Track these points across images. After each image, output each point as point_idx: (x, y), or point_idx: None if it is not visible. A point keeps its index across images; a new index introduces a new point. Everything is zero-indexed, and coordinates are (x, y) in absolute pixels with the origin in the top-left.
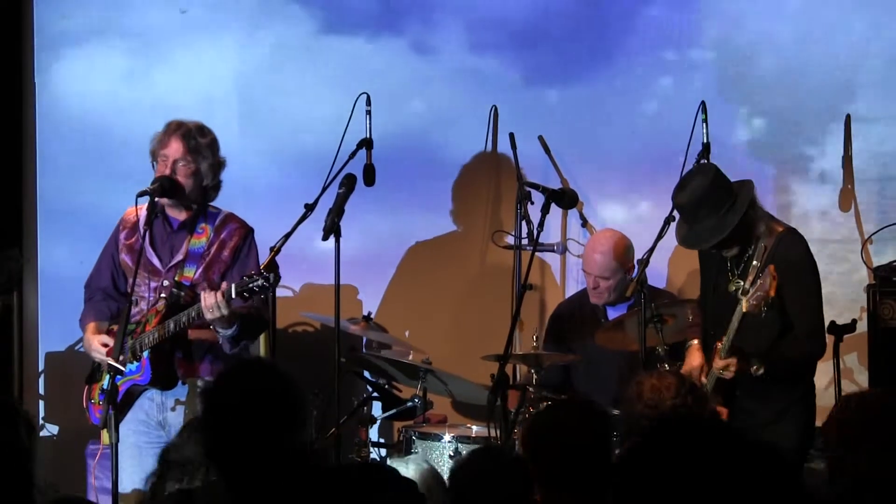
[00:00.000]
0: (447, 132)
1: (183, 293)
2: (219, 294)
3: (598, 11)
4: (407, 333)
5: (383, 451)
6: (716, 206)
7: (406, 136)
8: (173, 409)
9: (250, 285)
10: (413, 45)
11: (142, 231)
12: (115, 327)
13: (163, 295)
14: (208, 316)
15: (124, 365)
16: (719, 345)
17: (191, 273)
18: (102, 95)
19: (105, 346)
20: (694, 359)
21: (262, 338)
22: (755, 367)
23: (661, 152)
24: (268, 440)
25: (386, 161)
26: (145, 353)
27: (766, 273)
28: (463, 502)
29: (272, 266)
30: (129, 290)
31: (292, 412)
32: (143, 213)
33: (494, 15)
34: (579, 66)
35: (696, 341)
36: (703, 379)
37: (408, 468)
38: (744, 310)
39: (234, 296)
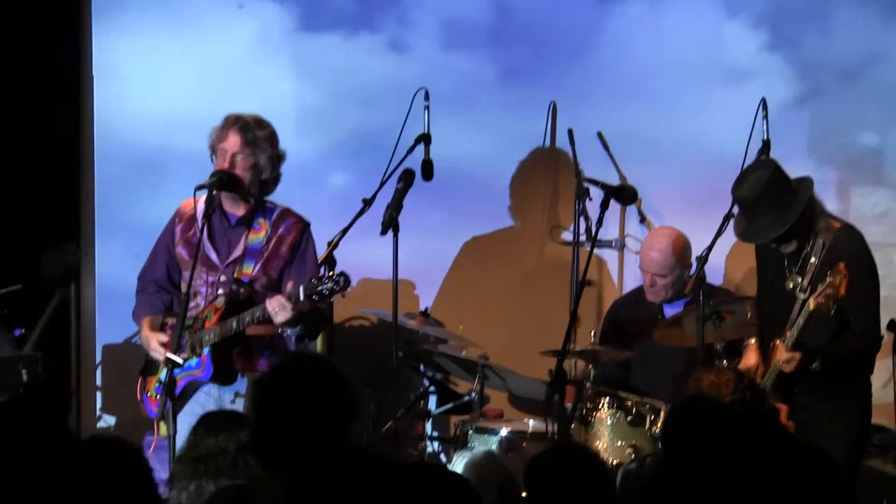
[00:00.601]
0: None
1: (242, 290)
2: (283, 298)
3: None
4: (461, 327)
5: (439, 445)
6: (776, 201)
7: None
8: (233, 402)
9: (319, 288)
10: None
11: (199, 225)
12: (171, 320)
13: (220, 291)
14: (276, 319)
15: (183, 360)
16: (778, 342)
17: (249, 269)
18: (160, 94)
19: (163, 345)
20: (750, 358)
21: None
22: (815, 364)
23: (720, 149)
24: (317, 434)
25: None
26: (206, 350)
27: (836, 270)
28: (539, 497)
29: (330, 261)
30: (186, 284)
31: (343, 408)
32: (199, 205)
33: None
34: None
35: (753, 340)
36: (759, 379)
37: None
38: (811, 307)
39: (302, 298)
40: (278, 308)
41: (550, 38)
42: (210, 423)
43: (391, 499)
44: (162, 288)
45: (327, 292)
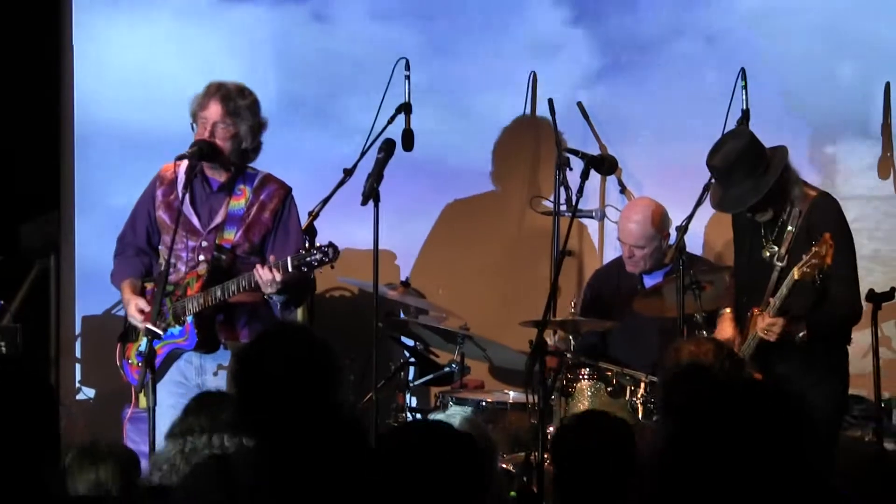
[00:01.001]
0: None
1: (224, 257)
2: (275, 270)
3: None
4: (440, 292)
5: (420, 417)
6: (750, 169)
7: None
8: (215, 374)
9: (308, 259)
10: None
11: (180, 192)
12: (150, 285)
13: (201, 257)
14: (265, 289)
15: (164, 330)
16: (757, 311)
17: (231, 235)
18: (141, 64)
19: (142, 312)
20: (726, 329)
21: None
22: (802, 334)
23: (699, 119)
24: (300, 405)
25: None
26: (189, 318)
27: (823, 241)
28: (565, 466)
29: (311, 231)
30: (168, 249)
31: (326, 377)
32: (180, 170)
33: None
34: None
35: (728, 310)
36: (738, 349)
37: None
38: (796, 277)
39: (290, 269)
40: (268, 280)
41: (473, 7)
42: (198, 402)
43: (394, 455)
44: (141, 251)
45: (316, 263)
